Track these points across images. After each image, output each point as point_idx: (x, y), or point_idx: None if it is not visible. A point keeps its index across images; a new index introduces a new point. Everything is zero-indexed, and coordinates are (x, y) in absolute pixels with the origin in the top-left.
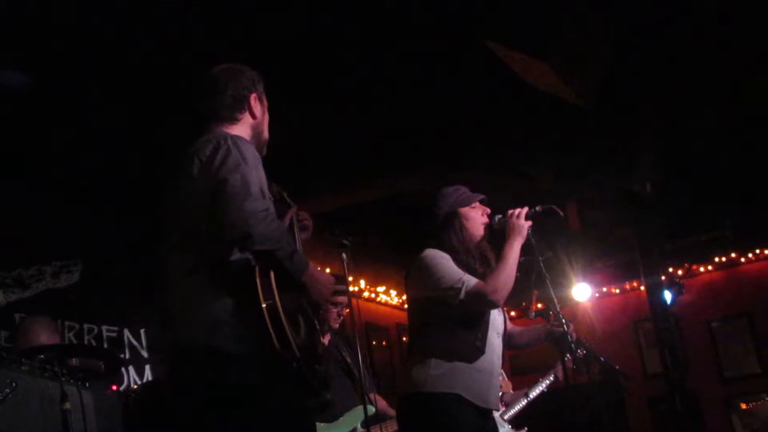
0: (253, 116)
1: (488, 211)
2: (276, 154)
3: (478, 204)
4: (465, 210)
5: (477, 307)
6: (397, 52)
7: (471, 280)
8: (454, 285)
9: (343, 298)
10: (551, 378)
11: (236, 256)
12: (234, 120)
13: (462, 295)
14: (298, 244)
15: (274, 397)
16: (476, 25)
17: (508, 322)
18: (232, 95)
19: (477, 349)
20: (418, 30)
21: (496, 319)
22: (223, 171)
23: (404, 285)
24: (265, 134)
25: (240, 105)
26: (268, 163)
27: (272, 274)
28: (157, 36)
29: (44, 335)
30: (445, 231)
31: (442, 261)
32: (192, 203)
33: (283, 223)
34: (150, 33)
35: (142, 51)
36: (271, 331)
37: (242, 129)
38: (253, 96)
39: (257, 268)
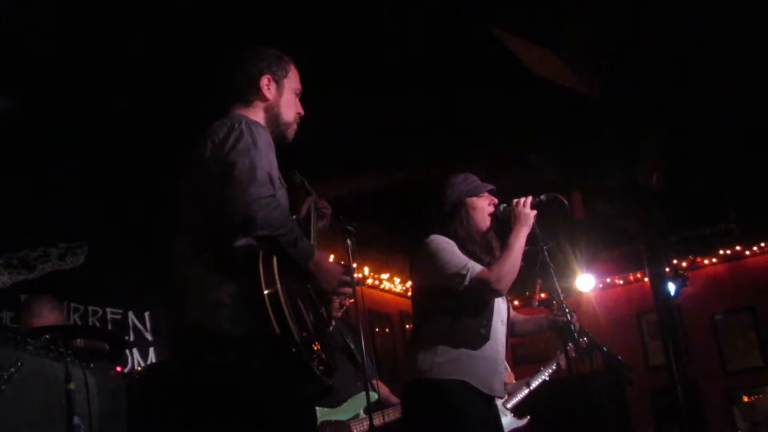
0: (264, 98)
1: (495, 201)
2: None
3: (486, 194)
4: (472, 200)
5: (480, 295)
6: (400, 41)
7: (476, 267)
8: (459, 271)
9: (348, 289)
10: (553, 367)
11: (241, 241)
12: (247, 102)
13: (467, 282)
14: (313, 233)
15: (273, 381)
16: (482, 14)
17: (512, 310)
18: (243, 77)
19: (482, 337)
20: (422, 18)
21: (501, 307)
22: (233, 154)
23: (409, 272)
24: (284, 118)
25: (251, 86)
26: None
27: (275, 260)
28: (160, 25)
29: (47, 314)
30: (451, 220)
31: (448, 247)
32: (203, 185)
33: (300, 211)
34: (150, 26)
35: (144, 40)
36: (271, 316)
37: (256, 112)
38: (264, 77)
39: (261, 254)
